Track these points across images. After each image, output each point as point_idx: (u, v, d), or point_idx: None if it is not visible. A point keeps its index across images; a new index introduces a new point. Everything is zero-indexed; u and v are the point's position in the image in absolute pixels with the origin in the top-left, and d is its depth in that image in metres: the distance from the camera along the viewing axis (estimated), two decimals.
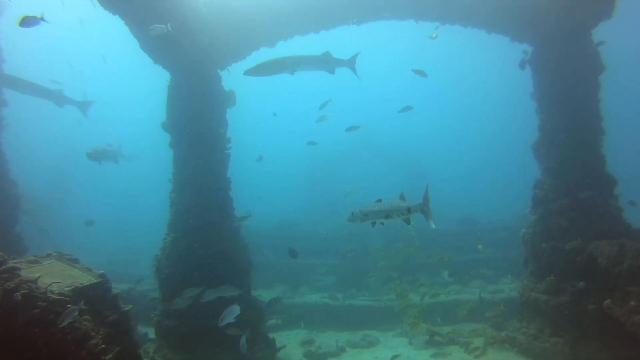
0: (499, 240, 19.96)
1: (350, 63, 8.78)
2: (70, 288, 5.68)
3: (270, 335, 10.84)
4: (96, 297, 6.16)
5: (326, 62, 8.64)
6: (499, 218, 21.67)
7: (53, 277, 5.83)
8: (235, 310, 7.53)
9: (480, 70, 48.54)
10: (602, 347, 8.52)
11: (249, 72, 8.81)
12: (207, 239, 10.14)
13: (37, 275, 5.28)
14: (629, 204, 9.67)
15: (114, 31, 12.12)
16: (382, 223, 6.03)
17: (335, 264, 19.06)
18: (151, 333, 10.47)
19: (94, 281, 6.40)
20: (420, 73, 11.28)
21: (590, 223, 9.28)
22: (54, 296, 5.14)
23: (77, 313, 5.02)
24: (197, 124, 10.54)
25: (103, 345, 5.27)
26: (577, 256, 9.05)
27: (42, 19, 7.47)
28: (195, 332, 9.66)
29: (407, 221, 6.21)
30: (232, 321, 7.50)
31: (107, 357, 5.27)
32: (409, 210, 5.92)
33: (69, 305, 5.12)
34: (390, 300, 15.31)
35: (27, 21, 7.41)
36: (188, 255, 10.04)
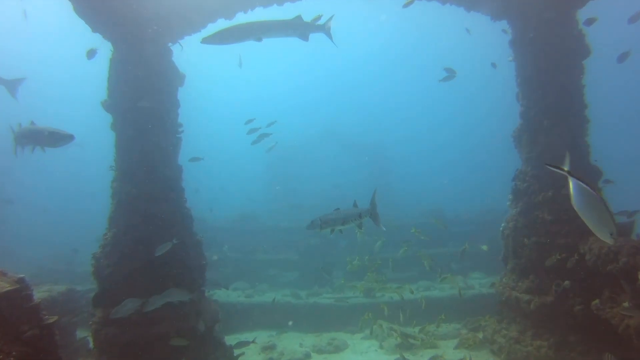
0: (466, 233, 19.51)
1: (325, 28, 7.70)
2: None
3: (227, 341, 9.70)
4: (10, 307, 4.92)
5: (297, 28, 7.50)
6: (466, 211, 21.25)
7: None
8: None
9: (453, 57, 48.39)
10: (588, 350, 7.92)
11: (208, 40, 7.56)
12: (153, 234, 8.83)
13: None
14: (604, 183, 9.10)
15: None
16: (341, 231, 6.44)
17: (297, 260, 18.03)
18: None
19: (8, 288, 5.13)
20: (450, 73, 11.41)
21: (575, 217, 8.62)
22: None
23: None
24: (149, 102, 9.15)
25: None
26: (562, 253, 8.39)
27: None
28: (140, 342, 8.37)
29: (360, 225, 6.55)
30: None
31: None
32: (360, 215, 6.38)
33: None
34: (356, 298, 14.47)
35: None
36: (131, 253, 8.71)
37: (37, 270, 15.88)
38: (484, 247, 15.49)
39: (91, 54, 10.13)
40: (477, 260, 18.65)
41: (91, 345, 9.09)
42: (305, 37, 7.59)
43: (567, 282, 8.26)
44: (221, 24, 9.92)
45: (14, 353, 4.55)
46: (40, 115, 9.82)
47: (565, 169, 4.35)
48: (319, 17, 8.27)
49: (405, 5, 10.02)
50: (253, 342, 10.01)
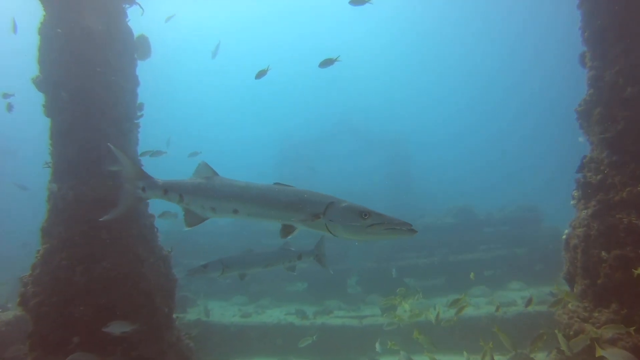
0: (500, 235, 16.91)
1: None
2: None
3: None
4: None
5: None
6: (498, 209, 18.58)
7: None
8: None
9: (473, 40, 44.99)
10: None
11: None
12: (96, 251, 6.63)
13: None
14: None
15: None
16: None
17: (304, 268, 15.69)
18: None
19: None
20: (329, 62, 9.88)
21: None
22: None
23: None
24: (86, 80, 6.96)
25: None
26: None
27: None
28: None
29: (292, 269, 6.08)
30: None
31: None
32: (299, 257, 5.92)
33: None
34: (373, 317, 12.11)
35: None
36: (67, 277, 6.53)
37: None
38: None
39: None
40: (514, 266, 16.10)
41: None
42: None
43: None
44: None
45: None
46: None
47: None
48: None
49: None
50: None
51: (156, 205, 8.05)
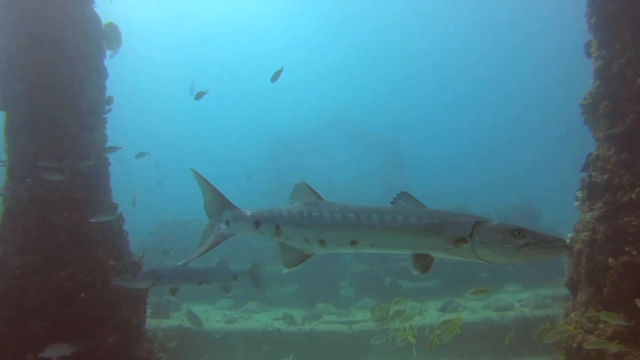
0: None
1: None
2: None
3: None
4: None
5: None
6: (494, 208, 18.05)
7: None
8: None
9: (469, 32, 44.13)
10: None
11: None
12: (55, 257, 6.03)
13: None
14: None
15: None
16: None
17: (295, 270, 15.09)
18: None
19: None
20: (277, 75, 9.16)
21: None
22: None
23: None
24: (42, 69, 6.33)
25: None
26: None
27: None
28: None
29: (228, 289, 5.92)
30: None
31: None
32: (234, 277, 5.74)
33: None
34: (365, 323, 11.56)
35: None
36: (23, 285, 5.92)
37: None
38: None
39: None
40: (508, 268, 15.59)
41: None
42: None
43: None
44: None
45: None
46: None
47: None
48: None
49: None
50: None
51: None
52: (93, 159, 6.54)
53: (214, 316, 12.43)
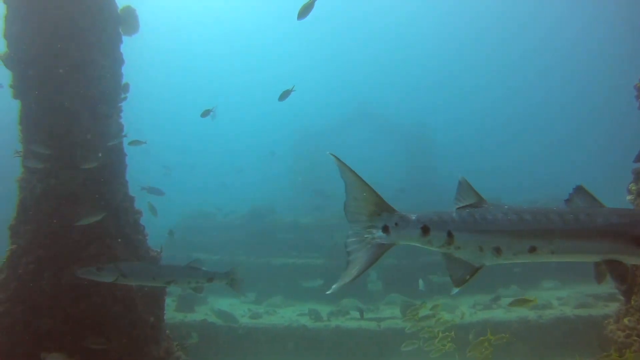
0: None
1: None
2: None
3: None
4: None
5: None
6: (529, 201, 17.13)
7: None
8: None
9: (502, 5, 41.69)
10: None
11: None
12: (67, 252, 5.77)
13: None
14: None
15: None
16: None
17: (320, 264, 14.71)
18: None
19: None
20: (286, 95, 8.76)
21: None
22: None
23: None
24: (55, 54, 6.04)
25: None
26: None
27: None
28: None
29: (200, 290, 5.30)
30: None
31: None
32: (210, 279, 5.22)
33: None
34: (395, 319, 11.09)
35: None
36: (35, 282, 5.69)
37: None
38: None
39: None
40: (545, 263, 14.77)
41: None
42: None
43: None
44: None
45: None
46: None
47: None
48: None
49: None
50: None
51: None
52: (106, 149, 6.25)
53: (238, 310, 12.15)
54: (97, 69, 6.43)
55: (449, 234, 2.66)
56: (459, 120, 44.35)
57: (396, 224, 2.72)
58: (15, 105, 6.31)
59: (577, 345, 9.42)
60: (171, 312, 10.95)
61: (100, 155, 6.16)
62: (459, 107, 45.92)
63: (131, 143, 7.40)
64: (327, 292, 2.91)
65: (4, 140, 8.61)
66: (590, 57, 41.86)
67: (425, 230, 2.69)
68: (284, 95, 8.78)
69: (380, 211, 2.72)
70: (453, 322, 8.67)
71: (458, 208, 2.71)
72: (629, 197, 6.27)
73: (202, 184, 30.60)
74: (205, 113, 8.44)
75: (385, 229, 2.72)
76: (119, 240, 6.20)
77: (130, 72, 7.39)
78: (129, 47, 7.26)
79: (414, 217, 2.72)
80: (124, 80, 7.08)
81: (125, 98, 6.96)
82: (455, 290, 2.78)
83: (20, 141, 6.30)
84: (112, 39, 6.85)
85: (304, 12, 7.29)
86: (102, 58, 6.54)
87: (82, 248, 5.81)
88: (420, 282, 12.20)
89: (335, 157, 2.73)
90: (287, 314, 11.97)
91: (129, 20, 7.27)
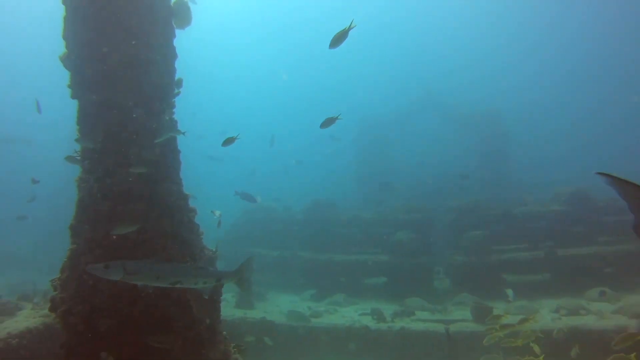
0: (627, 226, 13.92)
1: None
2: None
3: None
4: None
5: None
6: (611, 195, 15.37)
7: None
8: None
9: None
10: None
11: None
12: (124, 252, 5.68)
13: None
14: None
15: None
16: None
17: (384, 261, 14.13)
18: None
19: None
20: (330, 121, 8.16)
21: None
22: None
23: None
24: (110, 52, 5.96)
25: None
26: None
27: None
28: None
29: (206, 291, 5.01)
30: None
31: None
32: (218, 279, 5.12)
33: None
34: (465, 322, 10.33)
35: None
36: (93, 282, 5.67)
37: None
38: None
39: None
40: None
41: None
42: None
43: None
44: None
45: None
46: None
47: None
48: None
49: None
50: None
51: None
52: (159, 146, 6.10)
53: (299, 308, 11.92)
54: (148, 65, 6.28)
55: None
56: (534, 101, 41.26)
57: None
58: (73, 105, 6.33)
59: None
60: (230, 309, 10.90)
61: (156, 150, 6.04)
62: (534, 89, 42.64)
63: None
64: None
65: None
66: None
67: None
68: (328, 122, 8.30)
69: None
70: (539, 335, 7.81)
71: None
72: None
73: (266, 178, 30.80)
74: (229, 141, 7.95)
75: None
76: (174, 239, 6.04)
77: (193, 67, 7.22)
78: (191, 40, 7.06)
79: None
80: (177, 76, 6.94)
81: (178, 93, 6.79)
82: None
83: (77, 141, 6.32)
84: (165, 33, 6.69)
85: (337, 42, 6.88)
86: (153, 53, 6.40)
87: (137, 247, 5.69)
88: (510, 292, 11.28)
89: (608, 175, 1.98)
90: (349, 313, 11.58)
91: (181, 13, 7.07)
